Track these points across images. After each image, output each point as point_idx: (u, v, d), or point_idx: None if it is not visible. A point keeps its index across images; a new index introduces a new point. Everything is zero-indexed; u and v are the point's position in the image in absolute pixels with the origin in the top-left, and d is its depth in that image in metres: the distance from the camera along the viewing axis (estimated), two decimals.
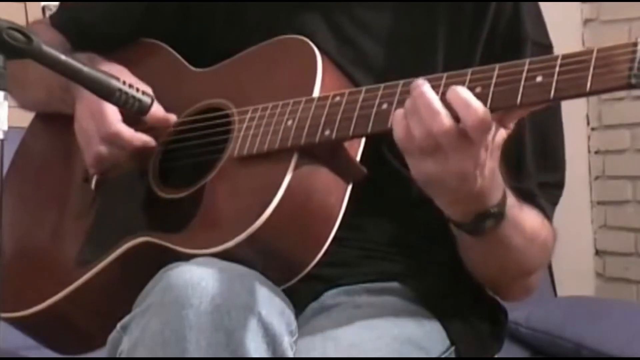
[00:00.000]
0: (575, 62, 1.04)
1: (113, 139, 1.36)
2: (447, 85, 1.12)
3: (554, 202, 1.39)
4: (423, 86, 1.13)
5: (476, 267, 1.33)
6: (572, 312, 2.51)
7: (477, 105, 1.10)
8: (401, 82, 1.16)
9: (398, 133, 1.14)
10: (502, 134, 1.14)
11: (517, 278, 1.38)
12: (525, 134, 1.35)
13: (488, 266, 1.33)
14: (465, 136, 1.11)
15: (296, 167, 1.21)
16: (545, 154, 1.37)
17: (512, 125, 1.14)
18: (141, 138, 1.37)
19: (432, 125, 1.11)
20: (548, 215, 1.36)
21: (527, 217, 1.28)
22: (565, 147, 1.40)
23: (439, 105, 1.11)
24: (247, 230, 1.19)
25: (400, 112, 1.14)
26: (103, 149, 1.37)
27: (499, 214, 1.21)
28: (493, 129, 1.11)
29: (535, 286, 1.41)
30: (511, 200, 1.23)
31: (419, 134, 1.12)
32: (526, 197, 1.33)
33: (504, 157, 1.31)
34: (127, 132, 1.37)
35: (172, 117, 1.39)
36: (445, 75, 1.13)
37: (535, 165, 1.36)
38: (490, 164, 1.15)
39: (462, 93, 1.11)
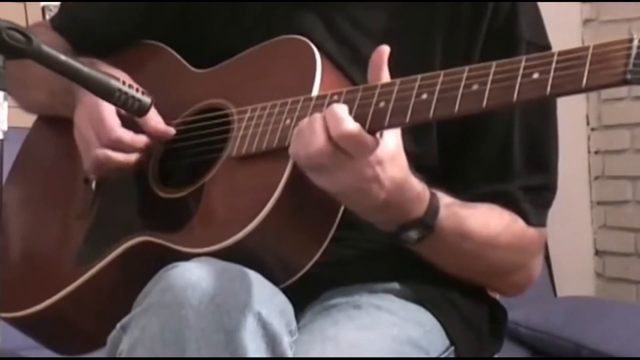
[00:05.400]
0: (571, 58, 1.04)
1: (115, 145, 1.36)
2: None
3: (544, 205, 1.39)
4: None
5: (440, 269, 1.34)
6: (572, 312, 2.51)
7: (345, 118, 1.14)
8: (398, 80, 1.17)
9: (290, 151, 1.18)
10: (388, 147, 1.16)
11: (490, 277, 1.38)
12: (514, 133, 1.35)
13: (447, 269, 1.34)
14: (343, 152, 1.14)
15: (294, 166, 1.21)
16: (534, 155, 1.38)
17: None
18: (142, 140, 1.38)
19: (310, 146, 1.15)
20: (529, 220, 1.36)
21: (477, 224, 1.29)
22: (558, 149, 1.40)
23: (319, 126, 1.15)
24: (245, 229, 1.19)
25: (295, 130, 1.19)
26: (103, 154, 1.37)
27: (423, 226, 1.24)
28: (372, 143, 1.14)
29: (525, 283, 1.41)
30: (447, 211, 1.25)
31: (302, 154, 1.16)
32: (504, 201, 1.34)
33: (489, 156, 1.33)
34: (128, 136, 1.37)
35: (171, 131, 1.39)
36: (442, 72, 1.14)
37: (523, 166, 1.36)
38: (388, 178, 1.17)
39: (335, 109, 1.15)
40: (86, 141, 1.39)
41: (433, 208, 1.24)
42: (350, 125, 1.14)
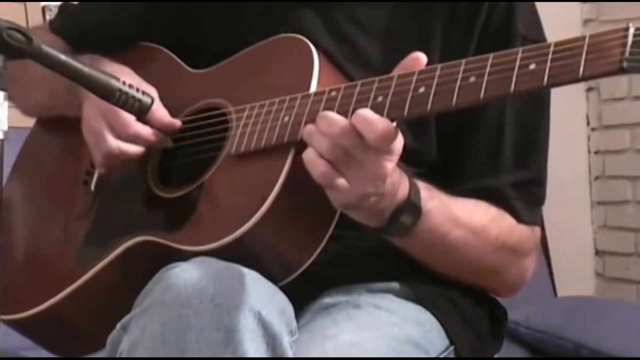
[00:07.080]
0: (568, 48, 1.04)
1: (133, 139, 1.36)
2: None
3: (535, 203, 1.39)
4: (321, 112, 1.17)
5: (433, 269, 1.33)
6: (572, 312, 2.51)
7: (376, 119, 1.12)
8: (396, 74, 1.16)
9: (314, 170, 1.16)
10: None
11: (482, 276, 1.38)
12: (505, 127, 1.35)
13: (439, 266, 1.33)
14: (372, 150, 1.13)
15: (293, 163, 1.21)
16: (525, 150, 1.37)
17: None
18: (156, 135, 1.38)
19: (332, 130, 1.14)
20: (520, 217, 1.36)
21: (462, 212, 1.29)
22: (548, 145, 1.40)
23: (333, 113, 1.15)
24: (244, 227, 1.19)
25: (310, 151, 1.16)
26: (117, 147, 1.36)
27: (411, 207, 1.23)
28: (395, 135, 1.14)
29: (518, 282, 1.40)
30: (427, 193, 1.25)
31: (325, 147, 1.14)
32: (495, 197, 1.34)
33: (479, 150, 1.33)
34: (146, 130, 1.37)
35: (177, 122, 1.39)
36: (439, 66, 1.14)
37: (513, 161, 1.36)
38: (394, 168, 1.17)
39: (362, 112, 1.13)
40: (97, 134, 1.38)
41: (414, 187, 1.23)
42: (383, 124, 1.13)
